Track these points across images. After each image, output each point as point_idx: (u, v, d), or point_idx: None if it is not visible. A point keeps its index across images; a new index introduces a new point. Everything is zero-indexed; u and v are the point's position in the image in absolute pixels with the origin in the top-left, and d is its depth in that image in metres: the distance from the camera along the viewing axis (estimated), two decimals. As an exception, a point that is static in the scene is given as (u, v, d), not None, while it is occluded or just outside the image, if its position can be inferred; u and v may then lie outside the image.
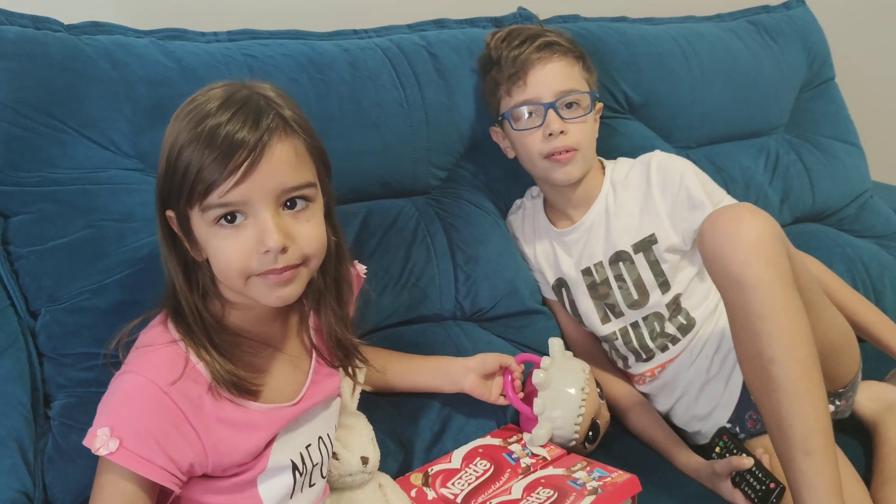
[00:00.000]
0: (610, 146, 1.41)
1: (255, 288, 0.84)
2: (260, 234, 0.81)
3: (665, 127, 1.57)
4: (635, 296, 1.26)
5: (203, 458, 0.83)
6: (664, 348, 1.27)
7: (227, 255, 0.82)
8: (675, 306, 1.26)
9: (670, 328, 1.26)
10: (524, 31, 1.28)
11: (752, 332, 0.98)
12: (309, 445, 0.92)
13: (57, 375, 1.00)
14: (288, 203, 0.83)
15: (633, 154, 1.40)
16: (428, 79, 1.31)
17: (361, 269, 1.09)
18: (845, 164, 1.77)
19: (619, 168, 1.33)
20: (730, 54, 1.66)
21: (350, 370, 0.98)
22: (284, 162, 0.82)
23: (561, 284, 1.32)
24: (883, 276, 1.60)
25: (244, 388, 0.86)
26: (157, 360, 0.83)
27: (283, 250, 0.82)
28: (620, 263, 1.27)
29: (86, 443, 0.80)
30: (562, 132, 1.22)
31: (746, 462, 1.10)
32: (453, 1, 1.49)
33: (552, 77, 1.24)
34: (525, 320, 1.32)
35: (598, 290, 1.28)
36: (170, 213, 0.86)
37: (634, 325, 1.28)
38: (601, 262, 1.28)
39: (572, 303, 1.32)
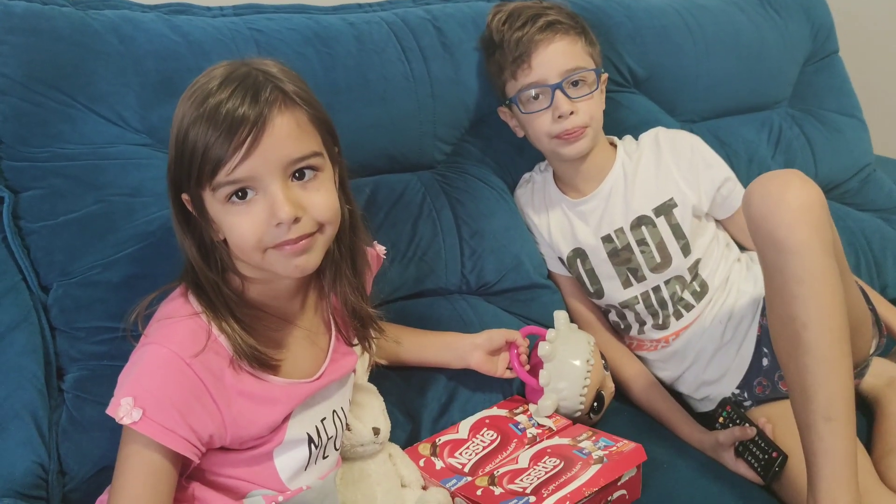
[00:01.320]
0: (614, 120, 1.42)
1: (272, 260, 0.85)
2: (271, 208, 0.82)
3: (669, 101, 1.57)
4: (658, 259, 1.28)
5: (222, 430, 0.84)
6: (679, 315, 1.29)
7: (241, 231, 0.83)
8: (695, 272, 1.28)
9: (686, 294, 1.28)
10: (525, 11, 1.28)
11: (788, 295, 0.98)
12: (324, 419, 0.94)
13: (70, 349, 1.02)
14: (296, 174, 0.84)
15: (637, 128, 1.41)
16: (434, 53, 1.31)
17: (381, 248, 1.09)
18: (848, 138, 1.77)
19: (629, 142, 1.37)
20: (733, 27, 1.65)
21: (366, 342, 0.99)
22: (287, 134, 0.83)
23: (577, 255, 1.33)
24: (885, 250, 1.61)
25: (265, 363, 0.87)
26: (180, 331, 0.85)
27: (296, 220, 0.83)
28: (643, 227, 1.28)
29: (109, 412, 0.81)
30: (571, 113, 1.23)
31: (749, 432, 1.12)
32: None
33: (556, 57, 1.24)
34: (530, 294, 1.33)
35: (619, 255, 1.30)
36: (185, 197, 0.87)
37: (656, 288, 1.29)
38: (622, 228, 1.29)
39: (590, 271, 1.32)
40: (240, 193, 0.83)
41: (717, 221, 1.36)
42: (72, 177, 1.03)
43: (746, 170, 1.59)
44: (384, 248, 1.10)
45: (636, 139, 1.38)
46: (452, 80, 1.33)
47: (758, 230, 1.02)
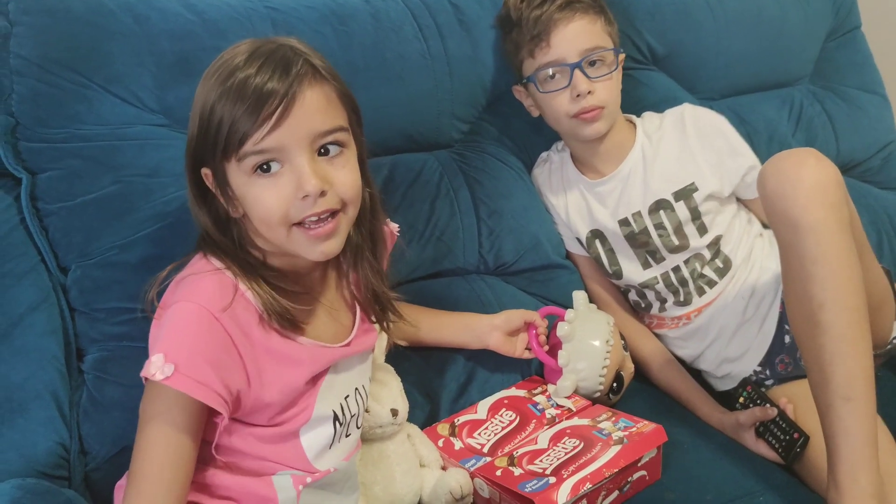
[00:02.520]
0: (634, 98, 1.40)
1: (296, 241, 0.84)
2: (298, 180, 0.82)
3: (689, 78, 1.55)
4: (676, 241, 1.27)
5: (246, 386, 0.83)
6: (701, 291, 1.28)
7: (267, 204, 0.83)
8: (716, 249, 1.27)
9: (708, 270, 1.27)
10: None
11: (804, 275, 0.98)
12: (347, 396, 0.94)
13: (89, 330, 1.02)
14: (322, 150, 0.84)
15: (657, 106, 1.40)
16: (451, 30, 1.30)
17: (394, 226, 1.09)
18: (870, 116, 1.74)
19: (649, 121, 1.34)
20: (755, 3, 1.62)
21: (385, 324, 0.99)
22: (316, 108, 0.83)
23: (596, 235, 1.32)
24: (907, 229, 1.59)
25: (294, 322, 0.86)
26: (207, 286, 0.84)
27: (322, 194, 0.82)
28: (661, 212, 1.27)
29: (143, 373, 0.80)
30: (589, 92, 1.22)
31: (770, 412, 1.11)
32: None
33: (575, 36, 1.22)
34: (549, 274, 1.32)
35: (637, 238, 1.29)
36: (206, 171, 0.86)
37: (676, 268, 1.28)
38: (639, 212, 1.28)
39: (609, 252, 1.32)
40: (265, 166, 0.82)
41: (739, 200, 1.35)
42: (89, 158, 1.03)
43: (767, 147, 1.57)
44: (397, 225, 1.09)
45: (657, 114, 1.36)
46: (470, 58, 1.31)
47: (773, 210, 1.01)
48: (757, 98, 1.64)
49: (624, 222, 1.29)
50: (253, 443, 0.87)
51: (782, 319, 1.23)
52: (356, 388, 0.95)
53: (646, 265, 1.30)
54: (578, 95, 1.22)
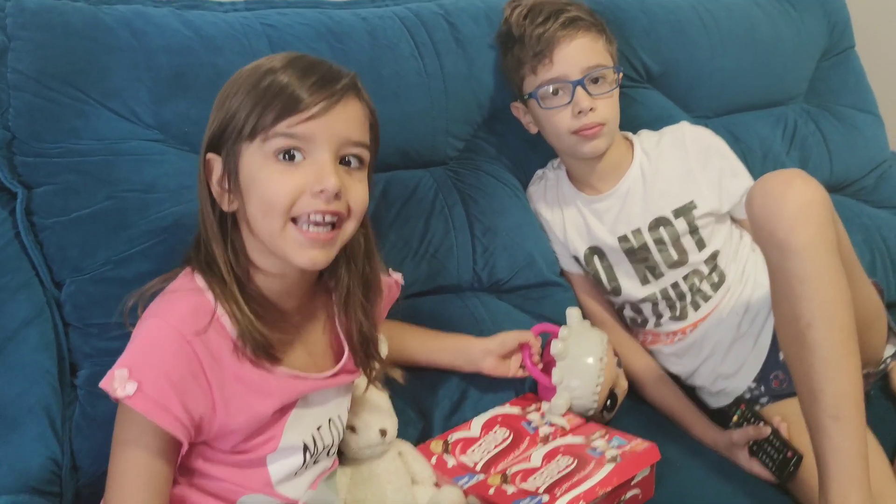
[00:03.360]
0: (628, 116, 1.40)
1: (289, 239, 0.83)
2: (318, 174, 0.82)
3: (683, 96, 1.56)
4: (675, 256, 1.28)
5: (212, 413, 0.82)
6: (696, 306, 1.28)
7: (279, 188, 0.82)
8: (713, 264, 1.28)
9: (705, 285, 1.28)
10: (545, 7, 1.27)
11: (792, 295, 0.98)
12: (320, 427, 0.92)
13: (83, 345, 1.02)
14: (344, 160, 0.85)
15: (652, 124, 1.41)
16: (447, 48, 1.30)
17: (397, 276, 1.09)
18: (864, 134, 1.76)
19: (646, 138, 1.35)
20: (749, 22, 1.64)
21: (367, 371, 0.97)
22: (354, 116, 0.86)
23: (594, 252, 1.32)
24: (901, 247, 1.59)
25: (268, 350, 0.85)
26: (183, 306, 0.83)
27: (337, 196, 0.83)
28: (661, 228, 1.28)
29: (103, 384, 0.79)
30: (591, 109, 1.23)
31: (764, 431, 1.11)
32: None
33: (578, 54, 1.23)
34: (543, 292, 1.32)
35: (636, 254, 1.29)
36: (210, 156, 0.86)
37: (675, 284, 1.29)
38: (639, 229, 1.29)
39: (608, 268, 1.32)
40: (288, 155, 0.83)
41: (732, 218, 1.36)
42: (85, 172, 1.03)
43: (761, 166, 1.58)
44: (400, 274, 1.09)
45: (654, 131, 1.37)
46: (465, 76, 1.32)
47: (760, 231, 1.02)
48: (751, 117, 1.65)
49: (623, 239, 1.29)
50: (218, 466, 0.87)
51: (776, 336, 1.23)
52: (330, 419, 0.94)
53: (644, 281, 1.30)
54: (580, 112, 1.23)
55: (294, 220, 0.83)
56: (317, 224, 0.83)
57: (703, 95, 1.59)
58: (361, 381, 1.01)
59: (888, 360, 1.21)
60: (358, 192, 0.86)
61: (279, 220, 0.83)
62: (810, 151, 1.68)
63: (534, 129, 1.33)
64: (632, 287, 1.31)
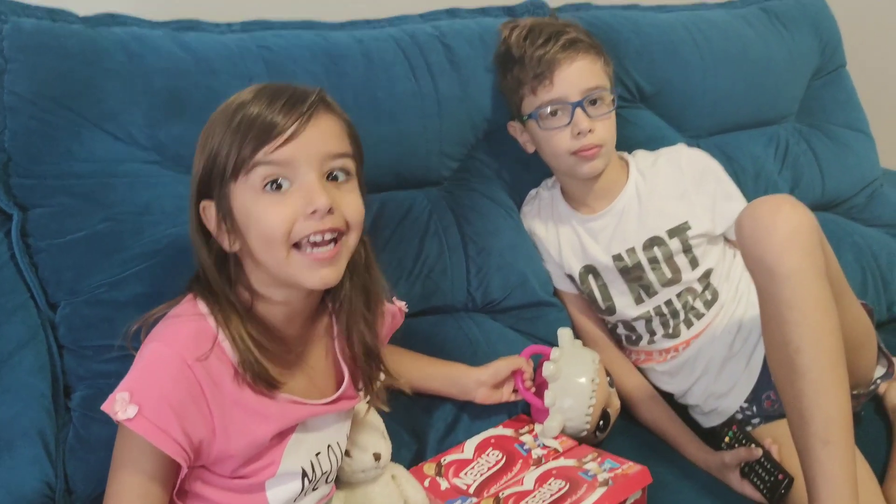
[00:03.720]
0: (622, 136, 1.40)
1: (296, 265, 0.84)
2: (307, 196, 0.83)
3: (676, 116, 1.57)
4: (669, 274, 1.29)
5: (211, 437, 0.83)
6: (689, 324, 1.29)
7: (273, 219, 0.83)
8: (707, 282, 1.29)
9: (698, 303, 1.29)
10: (545, 29, 1.28)
11: (780, 320, 0.99)
12: (319, 453, 0.93)
13: (77, 367, 1.02)
14: (330, 176, 0.86)
15: (645, 144, 1.42)
16: (441, 69, 1.31)
17: (401, 304, 1.09)
18: (855, 153, 1.77)
19: (642, 158, 1.36)
20: (741, 42, 1.65)
21: (370, 385, 0.98)
22: (328, 130, 0.86)
23: (589, 271, 1.33)
24: (892, 266, 1.60)
25: (268, 379, 0.86)
26: (185, 332, 0.84)
27: (330, 212, 0.83)
28: (655, 247, 1.29)
29: (104, 407, 0.80)
30: (590, 130, 1.24)
31: (755, 453, 1.12)
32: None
33: (578, 75, 1.24)
34: (536, 312, 1.33)
35: (630, 273, 1.30)
36: (205, 204, 0.87)
37: (668, 302, 1.30)
38: (633, 248, 1.29)
39: (603, 287, 1.32)
40: (274, 184, 0.83)
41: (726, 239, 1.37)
42: (80, 195, 1.03)
43: (753, 185, 1.60)
44: (404, 302, 1.10)
45: (650, 151, 1.38)
46: (459, 98, 1.32)
47: (749, 256, 1.03)
48: (744, 136, 1.66)
49: (618, 258, 1.30)
50: (217, 491, 0.87)
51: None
52: (329, 446, 0.94)
53: (639, 300, 1.31)
54: (579, 133, 1.24)
55: (297, 245, 0.84)
56: (318, 245, 0.84)
57: (695, 115, 1.59)
58: (361, 406, 1.02)
59: (878, 381, 1.22)
60: (351, 203, 0.87)
61: (282, 249, 0.84)
62: (802, 170, 1.69)
63: (530, 149, 1.34)
64: (626, 306, 1.31)
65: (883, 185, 1.81)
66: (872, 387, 1.23)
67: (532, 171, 1.41)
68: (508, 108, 1.34)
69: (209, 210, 0.87)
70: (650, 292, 1.30)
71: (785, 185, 1.66)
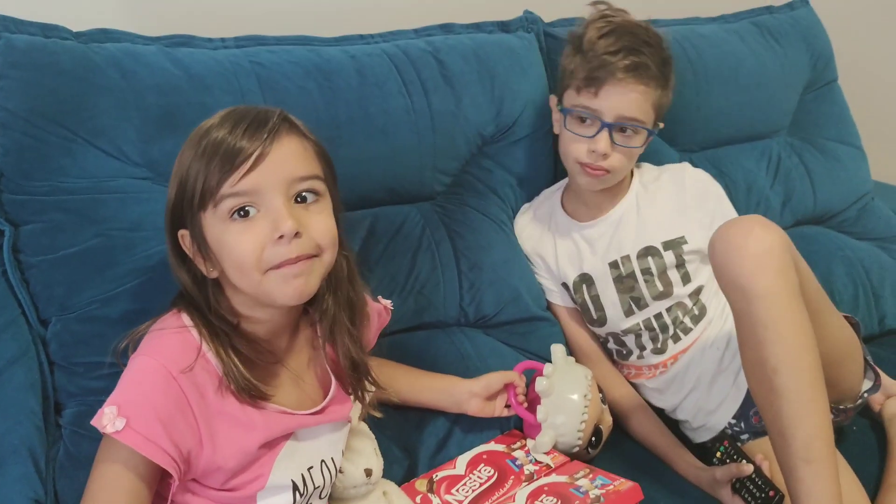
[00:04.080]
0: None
1: (271, 282, 0.84)
2: (274, 222, 0.83)
3: (668, 130, 1.56)
4: (660, 287, 1.29)
5: (198, 447, 0.83)
6: (677, 338, 1.30)
7: (242, 247, 0.83)
8: (696, 299, 1.30)
9: (686, 319, 1.30)
10: (625, 37, 1.24)
11: (756, 341, 1.00)
12: (311, 468, 0.93)
13: (68, 384, 1.02)
14: (298, 198, 0.86)
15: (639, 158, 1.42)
16: (434, 85, 1.31)
17: (387, 302, 1.10)
18: (846, 167, 1.78)
19: (647, 172, 1.38)
20: (733, 57, 1.65)
21: (360, 393, 0.99)
22: (292, 153, 0.85)
23: (584, 280, 1.33)
24: (883, 280, 1.60)
25: (252, 392, 0.87)
26: (170, 344, 0.85)
27: (297, 235, 0.83)
28: (649, 257, 1.30)
29: (93, 422, 0.80)
30: (604, 155, 1.24)
31: (746, 469, 1.12)
32: (459, 5, 1.49)
33: (623, 101, 1.22)
34: (529, 327, 1.33)
35: (623, 283, 1.31)
36: (182, 233, 0.87)
37: (658, 315, 1.30)
38: (628, 256, 1.30)
39: (595, 297, 1.33)
40: (242, 211, 0.83)
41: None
42: (72, 211, 1.03)
43: (745, 199, 1.60)
44: (390, 301, 1.10)
45: (656, 166, 1.40)
46: (453, 113, 1.33)
47: (722, 277, 1.04)
48: (736, 150, 1.67)
49: (613, 265, 1.31)
50: (206, 501, 0.87)
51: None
52: (323, 461, 0.94)
53: (629, 312, 1.31)
54: (594, 152, 1.24)
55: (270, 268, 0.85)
56: (291, 264, 0.85)
57: (687, 129, 1.60)
58: (354, 413, 1.02)
59: (865, 395, 1.22)
60: (320, 225, 0.86)
61: (256, 274, 0.84)
62: (794, 184, 1.70)
63: (557, 129, 1.33)
64: (616, 316, 1.32)
65: (874, 199, 1.81)
66: (860, 400, 1.23)
67: (525, 186, 1.42)
68: (557, 82, 1.34)
69: (186, 238, 0.88)
70: (640, 304, 1.30)
71: (777, 198, 1.66)
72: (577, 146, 1.26)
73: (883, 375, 1.26)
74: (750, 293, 0.99)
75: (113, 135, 1.07)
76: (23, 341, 1.00)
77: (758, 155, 1.68)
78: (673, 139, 1.58)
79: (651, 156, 1.47)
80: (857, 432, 1.29)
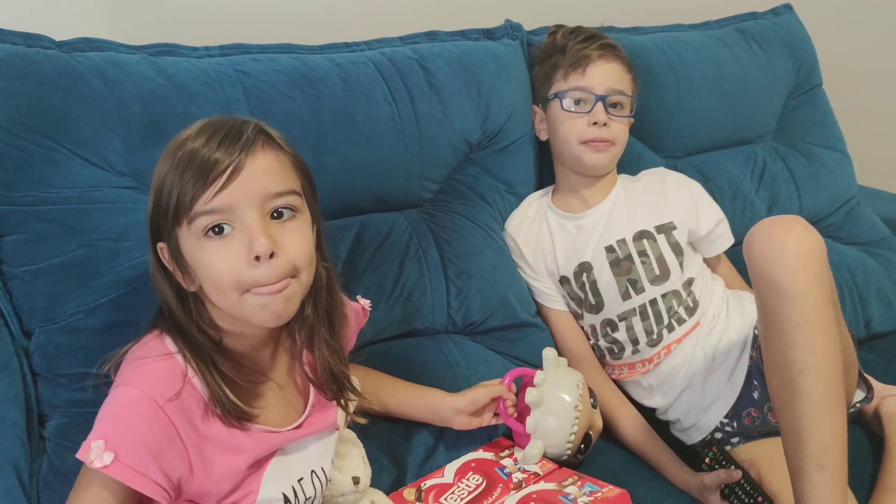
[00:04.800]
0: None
1: (249, 305, 0.84)
2: (248, 241, 0.81)
3: (653, 137, 1.58)
4: (657, 271, 1.32)
5: (189, 474, 0.83)
6: (672, 328, 1.31)
7: (218, 268, 0.82)
8: (689, 290, 1.33)
9: (681, 310, 1.31)
10: (588, 31, 1.41)
11: (786, 341, 1.00)
12: (301, 479, 0.92)
13: (51, 396, 1.01)
14: (274, 214, 0.84)
15: (622, 166, 1.44)
16: (420, 92, 1.31)
17: (365, 303, 1.09)
18: (831, 172, 1.79)
19: (626, 177, 1.45)
20: (717, 63, 1.66)
21: (342, 402, 0.98)
22: (267, 168, 0.84)
23: (583, 269, 1.35)
24: (869, 284, 1.61)
25: (239, 414, 0.86)
26: (155, 373, 0.84)
27: (272, 255, 0.82)
28: (644, 240, 1.33)
29: (79, 455, 0.79)
30: (605, 124, 1.32)
31: (735, 475, 1.12)
32: (442, 13, 1.50)
33: (608, 75, 1.35)
34: (517, 333, 1.33)
35: (620, 265, 1.33)
36: (161, 245, 0.86)
37: (653, 301, 1.32)
38: (624, 239, 1.34)
39: (593, 283, 1.34)
40: (216, 228, 0.82)
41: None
42: (55, 221, 1.03)
43: (731, 205, 1.61)
44: (369, 301, 1.10)
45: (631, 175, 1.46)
46: (439, 120, 1.33)
47: (758, 274, 1.03)
48: (721, 156, 1.68)
49: (609, 249, 1.34)
50: None
51: (751, 374, 1.25)
52: (313, 471, 0.94)
53: (626, 296, 1.32)
54: (595, 123, 1.32)
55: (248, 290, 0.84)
56: (269, 289, 0.84)
57: (672, 136, 1.61)
58: (339, 421, 1.01)
59: (857, 405, 1.23)
60: (295, 244, 0.85)
61: (233, 295, 0.83)
62: (779, 189, 1.71)
63: (543, 136, 1.43)
64: (613, 300, 1.33)
65: (860, 203, 1.82)
66: (852, 410, 1.24)
67: (513, 192, 1.42)
68: (536, 94, 1.45)
69: (165, 251, 0.87)
70: (637, 288, 1.32)
71: (762, 204, 1.67)
72: (576, 124, 1.34)
73: (871, 380, 1.27)
74: (786, 293, 0.99)
75: (97, 145, 1.06)
76: (5, 353, 0.99)
77: (743, 160, 1.69)
78: (657, 146, 1.59)
79: (636, 163, 1.49)
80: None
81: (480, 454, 1.17)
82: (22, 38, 1.07)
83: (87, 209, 1.04)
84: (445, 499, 1.08)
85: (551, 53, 1.40)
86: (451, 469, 1.14)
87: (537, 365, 1.23)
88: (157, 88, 1.11)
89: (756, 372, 1.23)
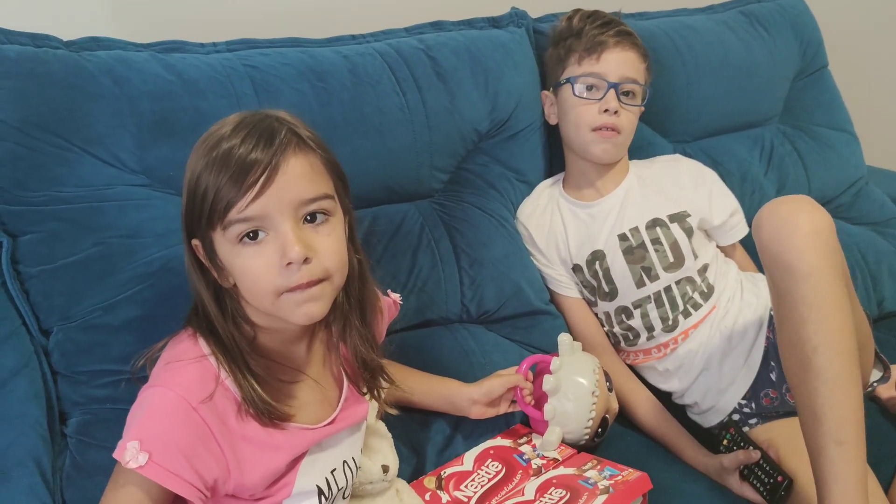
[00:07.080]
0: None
1: (284, 305, 0.84)
2: (282, 248, 0.82)
3: (661, 122, 1.58)
4: (671, 258, 1.32)
5: (226, 474, 0.83)
6: (687, 314, 1.31)
7: (254, 273, 0.83)
8: (703, 276, 1.32)
9: (696, 295, 1.31)
10: (606, 16, 1.39)
11: (798, 319, 1.00)
12: (334, 470, 0.93)
13: (72, 393, 1.01)
14: (308, 218, 0.85)
15: (632, 150, 1.43)
16: (428, 82, 1.31)
17: (396, 296, 1.10)
18: (839, 153, 1.78)
19: (639, 162, 1.45)
20: (723, 47, 1.66)
21: (375, 392, 0.98)
22: (300, 174, 0.83)
23: (596, 257, 1.35)
24: (880, 263, 1.61)
25: (274, 415, 0.86)
26: (188, 375, 0.84)
27: (307, 261, 0.82)
28: (658, 228, 1.33)
29: (116, 455, 0.80)
30: (615, 112, 1.31)
31: (754, 455, 1.12)
32: (447, 3, 1.50)
33: (623, 63, 1.34)
34: (532, 320, 1.33)
35: (634, 253, 1.33)
36: (195, 242, 0.86)
37: (668, 288, 1.32)
38: (637, 227, 1.34)
39: (606, 271, 1.34)
40: (251, 234, 0.82)
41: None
42: (70, 220, 1.03)
43: (739, 188, 1.60)
44: (399, 295, 1.10)
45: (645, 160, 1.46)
46: (448, 110, 1.33)
47: (767, 253, 1.03)
48: (729, 139, 1.67)
49: (622, 237, 1.34)
50: None
51: (768, 354, 1.25)
52: (345, 461, 0.94)
53: (640, 283, 1.32)
54: (606, 110, 1.31)
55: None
56: (303, 289, 0.84)
57: (679, 120, 1.61)
58: (371, 414, 1.02)
59: (874, 384, 1.23)
60: (328, 248, 0.85)
61: (270, 297, 0.84)
62: (788, 171, 1.70)
63: (553, 120, 1.42)
64: (627, 287, 1.33)
65: (868, 184, 1.82)
66: (869, 389, 1.24)
67: (523, 180, 1.42)
68: (547, 78, 1.43)
69: (200, 248, 0.87)
70: (651, 275, 1.31)
71: (771, 186, 1.67)
72: (587, 110, 1.33)
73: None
74: (797, 271, 0.99)
75: (108, 143, 1.06)
76: (25, 352, 1.00)
77: (750, 143, 1.69)
78: (665, 130, 1.59)
79: (644, 148, 1.48)
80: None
81: (499, 441, 1.18)
82: (30, 39, 1.07)
83: (101, 207, 1.05)
84: (465, 486, 1.09)
85: (566, 37, 1.38)
86: (470, 457, 1.14)
87: (552, 352, 1.23)
88: (167, 85, 1.11)
89: (773, 352, 1.23)
